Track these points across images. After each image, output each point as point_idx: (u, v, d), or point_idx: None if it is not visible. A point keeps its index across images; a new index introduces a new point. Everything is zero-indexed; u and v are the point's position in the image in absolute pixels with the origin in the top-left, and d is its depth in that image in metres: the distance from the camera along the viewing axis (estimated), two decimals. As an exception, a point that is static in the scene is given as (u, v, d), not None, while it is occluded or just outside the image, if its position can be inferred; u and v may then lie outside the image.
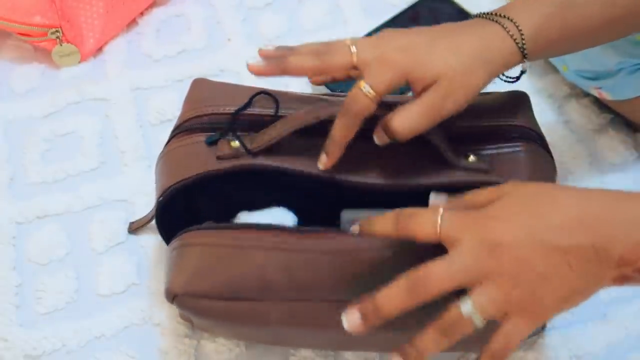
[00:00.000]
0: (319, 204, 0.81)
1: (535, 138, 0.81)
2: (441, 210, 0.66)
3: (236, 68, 1.09)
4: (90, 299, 0.91)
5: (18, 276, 0.93)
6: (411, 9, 1.13)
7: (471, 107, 0.76)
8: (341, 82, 0.95)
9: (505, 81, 0.80)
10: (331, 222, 0.82)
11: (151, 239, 0.95)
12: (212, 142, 0.80)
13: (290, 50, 0.77)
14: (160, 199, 0.80)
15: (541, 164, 0.80)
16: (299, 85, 1.05)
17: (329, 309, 0.71)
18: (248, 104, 0.81)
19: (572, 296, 0.64)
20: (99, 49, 1.13)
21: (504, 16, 0.75)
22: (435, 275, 0.64)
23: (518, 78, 0.80)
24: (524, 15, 0.75)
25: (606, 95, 0.98)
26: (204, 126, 0.82)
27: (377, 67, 0.72)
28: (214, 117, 0.82)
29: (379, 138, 0.75)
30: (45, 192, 0.99)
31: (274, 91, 0.84)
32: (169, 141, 0.84)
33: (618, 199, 0.64)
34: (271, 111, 0.81)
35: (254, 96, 0.82)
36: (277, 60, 0.76)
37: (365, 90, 0.72)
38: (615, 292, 0.89)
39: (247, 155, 0.78)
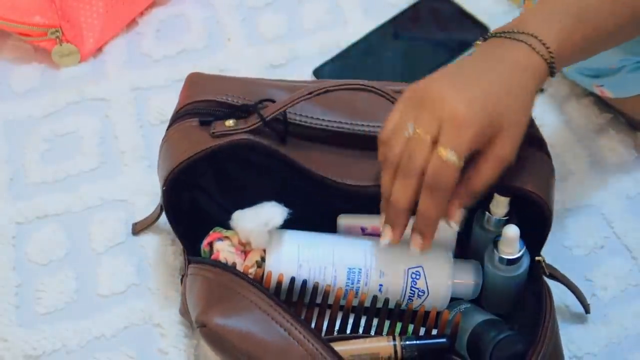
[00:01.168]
0: (316, 210, 0.82)
1: (544, 146, 0.81)
2: None
3: (236, 68, 1.09)
4: (90, 299, 0.91)
5: (18, 276, 0.93)
6: (411, 9, 1.13)
7: None
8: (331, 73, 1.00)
9: None
10: (328, 227, 0.82)
11: (151, 239, 0.95)
12: (205, 123, 0.81)
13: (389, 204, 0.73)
14: (164, 187, 0.80)
15: (540, 167, 0.80)
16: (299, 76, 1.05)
17: None
18: (252, 107, 0.81)
19: None
20: (99, 49, 1.13)
21: (526, 32, 0.73)
22: None
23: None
24: (544, 27, 0.73)
25: (608, 93, 0.98)
26: (199, 111, 0.83)
27: (452, 129, 0.67)
28: (208, 103, 0.83)
29: (458, 217, 0.72)
30: (45, 192, 0.99)
31: (277, 83, 0.85)
32: (167, 129, 0.84)
33: None
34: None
35: (261, 101, 0.82)
36: (395, 220, 0.72)
37: (448, 157, 0.67)
38: (615, 292, 0.89)
39: (241, 133, 0.79)
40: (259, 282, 0.76)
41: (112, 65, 1.11)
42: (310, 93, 0.78)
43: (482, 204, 0.78)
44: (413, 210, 0.72)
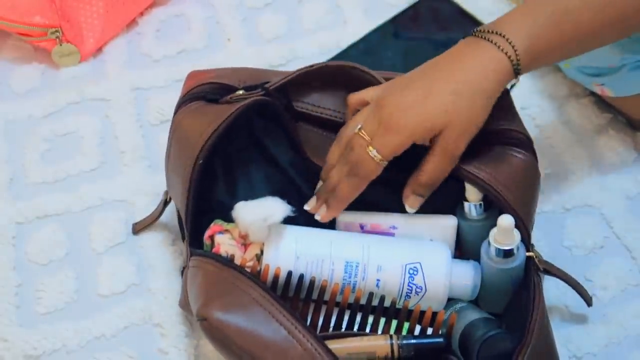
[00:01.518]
0: None
1: (527, 144, 0.82)
2: None
3: (236, 68, 1.09)
4: (90, 299, 0.91)
5: (18, 276, 0.93)
6: (411, 8, 1.13)
7: None
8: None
9: None
10: (327, 225, 0.83)
11: (151, 239, 0.95)
12: (212, 100, 0.82)
13: (326, 180, 0.81)
14: (200, 162, 0.79)
15: (531, 171, 0.81)
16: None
17: None
18: (260, 85, 0.83)
19: None
20: (99, 49, 1.13)
21: (496, 32, 0.76)
22: None
23: (508, 92, 0.82)
24: (516, 28, 0.76)
25: (608, 92, 0.97)
26: (204, 95, 0.83)
27: (382, 132, 0.75)
28: (212, 85, 0.84)
29: (412, 202, 0.79)
30: (45, 192, 0.99)
31: (279, 72, 0.86)
32: (174, 116, 0.84)
33: None
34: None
35: (264, 83, 0.83)
36: (327, 198, 0.80)
37: (372, 154, 0.76)
38: (615, 292, 0.89)
39: (257, 97, 0.81)
40: (259, 279, 0.76)
41: (112, 65, 1.11)
42: (311, 66, 0.81)
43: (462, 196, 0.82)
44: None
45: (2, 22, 1.08)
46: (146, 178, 1.00)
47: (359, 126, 0.77)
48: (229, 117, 0.79)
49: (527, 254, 0.79)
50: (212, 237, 0.80)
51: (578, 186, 0.97)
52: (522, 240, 0.78)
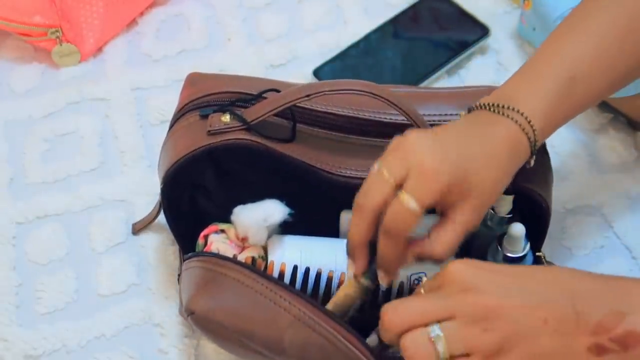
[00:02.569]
0: (319, 206, 0.82)
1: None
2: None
3: (236, 68, 1.09)
4: (90, 299, 0.91)
5: (18, 276, 0.93)
6: (411, 9, 1.13)
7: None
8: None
9: None
10: (331, 222, 0.82)
11: (151, 239, 0.95)
12: (206, 115, 0.81)
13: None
14: (162, 186, 0.81)
15: (541, 166, 0.80)
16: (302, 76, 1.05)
17: None
18: (256, 97, 0.82)
19: (541, 356, 0.60)
20: (99, 49, 1.13)
21: (511, 108, 0.70)
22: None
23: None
24: (530, 103, 0.70)
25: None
26: (201, 106, 0.83)
27: (418, 178, 0.65)
28: (211, 96, 0.83)
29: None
30: (45, 192, 0.99)
31: (278, 82, 0.85)
32: (169, 129, 0.84)
33: (606, 279, 0.62)
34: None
35: (264, 91, 0.82)
36: (352, 253, 0.70)
37: (410, 206, 0.64)
38: (616, 292, 0.89)
39: (237, 131, 0.79)
40: (236, 260, 0.76)
41: (112, 65, 1.11)
42: (307, 95, 0.77)
43: None
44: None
45: (2, 22, 1.08)
46: (146, 178, 1.00)
47: (378, 165, 0.67)
48: (193, 151, 0.79)
49: (537, 253, 0.78)
50: (206, 237, 0.80)
51: (578, 186, 0.97)
52: (534, 243, 0.78)
